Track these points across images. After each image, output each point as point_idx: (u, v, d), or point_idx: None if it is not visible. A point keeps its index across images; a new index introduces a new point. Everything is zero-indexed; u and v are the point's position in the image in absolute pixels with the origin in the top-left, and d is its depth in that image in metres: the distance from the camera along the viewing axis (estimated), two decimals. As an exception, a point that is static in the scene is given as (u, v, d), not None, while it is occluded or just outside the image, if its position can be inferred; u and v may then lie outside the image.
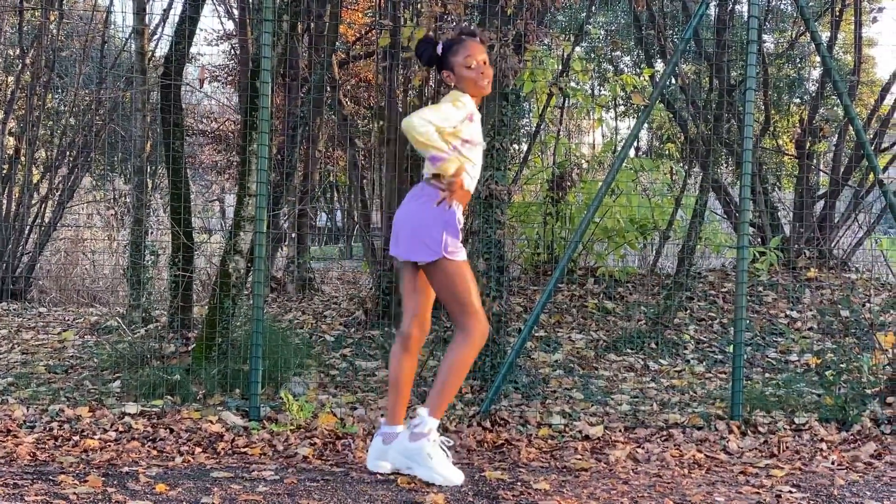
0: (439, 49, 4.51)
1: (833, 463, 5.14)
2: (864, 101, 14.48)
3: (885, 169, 10.81)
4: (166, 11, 8.38)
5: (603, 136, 16.51)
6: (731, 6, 9.56)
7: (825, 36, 10.90)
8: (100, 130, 10.71)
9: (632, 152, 15.32)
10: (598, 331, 8.28)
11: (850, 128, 7.28)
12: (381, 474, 4.53)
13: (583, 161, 10.59)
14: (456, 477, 4.40)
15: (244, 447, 5.13)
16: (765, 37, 12.44)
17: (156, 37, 8.63)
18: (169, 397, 5.89)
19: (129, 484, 4.27)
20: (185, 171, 7.19)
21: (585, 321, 8.47)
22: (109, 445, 5.06)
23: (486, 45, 4.68)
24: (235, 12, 13.22)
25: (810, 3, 11.56)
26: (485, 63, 4.48)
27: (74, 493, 4.04)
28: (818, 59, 9.13)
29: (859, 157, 10.06)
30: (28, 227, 10.63)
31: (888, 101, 10.82)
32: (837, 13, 10.89)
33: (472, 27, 4.75)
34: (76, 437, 5.15)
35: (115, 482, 4.30)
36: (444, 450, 4.47)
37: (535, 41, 6.80)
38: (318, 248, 19.99)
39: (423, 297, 4.56)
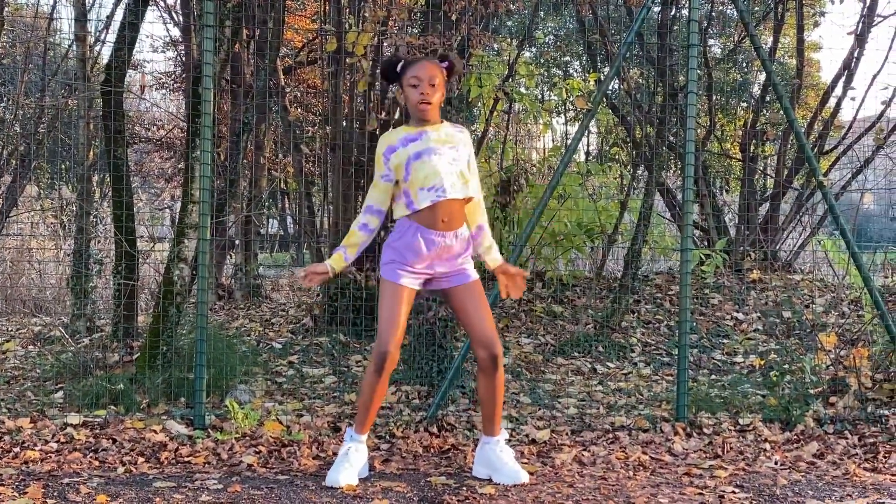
0: (399, 66, 4.61)
1: (776, 463, 5.18)
2: (809, 105, 14.66)
3: (828, 171, 10.95)
4: (109, 18, 8.28)
5: (553, 142, 16.56)
6: (674, 10, 9.63)
7: (769, 39, 11.03)
8: (43, 138, 10.58)
9: (581, 156, 15.40)
10: (546, 335, 8.30)
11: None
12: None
13: (531, 166, 10.62)
14: (342, 479, 4.52)
15: (188, 456, 5.08)
16: (711, 41, 12.57)
17: (98, 44, 8.51)
18: (112, 407, 5.82)
19: (70, 495, 4.22)
20: (128, 178, 7.12)
21: (534, 325, 8.49)
22: (50, 456, 4.99)
23: (451, 68, 4.69)
24: (180, 18, 13.13)
25: (754, 9, 11.68)
26: (431, 84, 4.51)
27: (13, 506, 3.98)
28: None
29: (802, 159, 10.18)
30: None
31: (830, 103, 10.95)
32: (779, 17, 11.01)
33: (442, 53, 4.82)
34: (16, 449, 5.08)
35: (55, 493, 4.25)
36: (348, 457, 4.63)
37: (479, 46, 6.81)
38: (269, 255, 19.90)
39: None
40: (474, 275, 4.65)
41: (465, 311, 4.61)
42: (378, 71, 4.83)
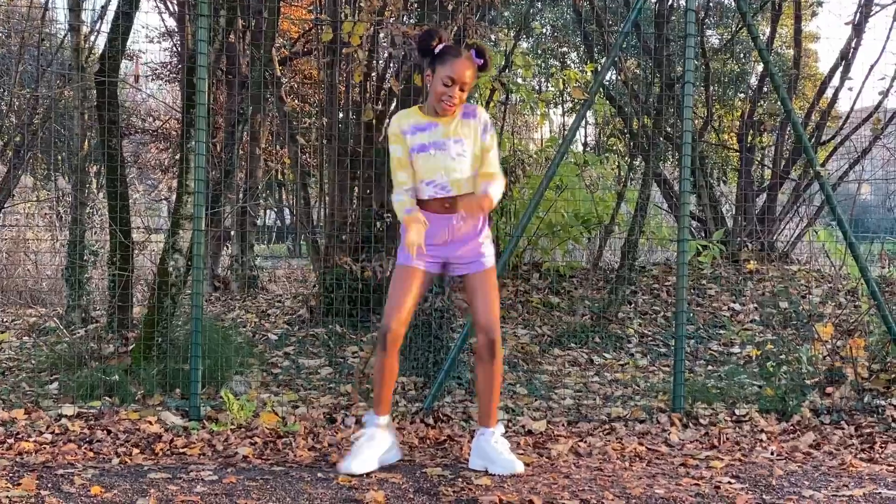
0: (438, 48, 4.53)
1: (772, 453, 5.17)
2: (806, 96, 14.64)
3: (825, 162, 10.93)
4: (103, 8, 8.24)
5: (551, 132, 16.53)
6: (671, 0, 9.61)
7: (766, 30, 11.00)
8: (37, 129, 10.55)
9: (579, 147, 15.38)
10: (543, 326, 8.29)
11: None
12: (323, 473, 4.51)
13: (528, 156, 10.60)
14: (355, 467, 4.52)
15: (183, 447, 5.06)
16: (708, 32, 12.54)
17: (93, 34, 8.47)
18: (107, 398, 5.80)
19: (64, 486, 4.20)
20: (122, 168, 7.10)
21: (530, 316, 8.48)
22: (45, 448, 4.97)
23: (484, 66, 4.63)
24: (175, 8, 13.08)
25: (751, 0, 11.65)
26: (461, 88, 4.49)
27: (7, 497, 3.96)
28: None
29: (800, 150, 10.17)
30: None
31: (828, 94, 10.93)
32: (777, 7, 10.99)
33: (479, 46, 4.72)
34: (10, 440, 5.05)
35: (49, 485, 4.23)
36: (366, 442, 4.65)
37: (475, 36, 6.79)
38: (266, 246, 19.88)
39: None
40: (490, 263, 4.64)
41: (475, 295, 4.62)
42: (410, 43, 4.74)
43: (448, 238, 4.59)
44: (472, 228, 4.59)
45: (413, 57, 6.59)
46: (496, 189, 4.56)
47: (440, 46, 4.53)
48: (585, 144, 17.00)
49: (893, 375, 6.13)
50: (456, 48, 4.57)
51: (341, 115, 8.10)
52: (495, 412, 4.73)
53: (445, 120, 4.55)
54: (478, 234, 4.63)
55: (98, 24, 8.33)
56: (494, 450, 4.66)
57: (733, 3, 13.16)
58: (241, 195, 10.41)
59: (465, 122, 4.56)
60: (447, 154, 4.53)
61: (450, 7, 6.59)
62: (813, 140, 10.28)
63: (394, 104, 8.13)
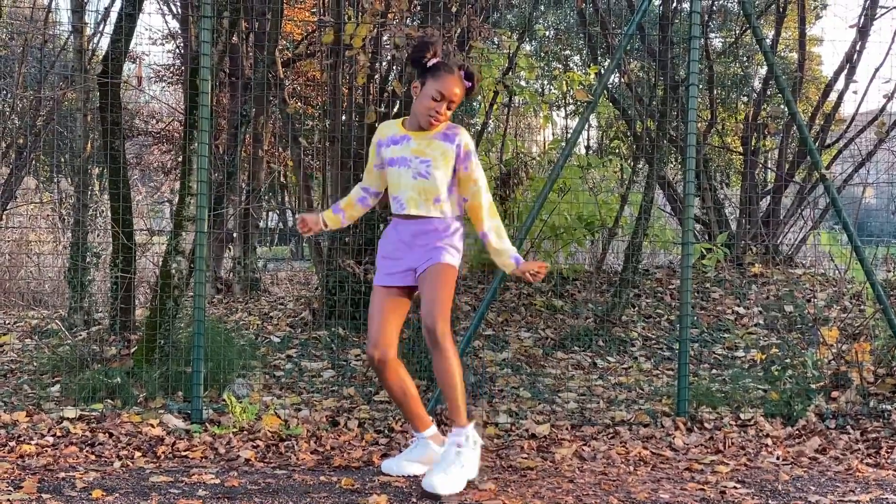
0: (431, 62, 4.45)
1: (778, 458, 5.15)
2: (810, 99, 14.61)
3: (829, 165, 10.90)
4: (107, 9, 8.22)
5: (554, 135, 16.52)
6: (675, 3, 9.58)
7: (769, 34, 10.98)
8: (40, 131, 10.53)
9: (581, 149, 15.36)
10: (546, 329, 8.26)
11: (795, 124, 7.31)
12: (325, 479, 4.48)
13: (531, 159, 10.58)
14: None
15: (185, 451, 5.04)
16: (711, 35, 12.52)
17: (97, 35, 8.46)
18: (109, 401, 5.78)
19: (65, 490, 4.19)
20: (125, 170, 7.08)
21: (533, 319, 8.46)
22: (46, 451, 4.95)
23: (470, 90, 4.54)
24: (178, 10, 13.08)
25: (756, 2, 11.63)
26: (448, 106, 4.40)
27: (8, 500, 3.95)
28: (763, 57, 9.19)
29: (804, 153, 10.14)
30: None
31: (832, 97, 10.91)
32: (781, 10, 10.96)
33: (467, 65, 4.64)
34: (12, 443, 5.03)
35: (50, 488, 4.21)
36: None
37: (479, 38, 6.77)
38: (269, 248, 19.87)
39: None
40: (444, 259, 4.40)
41: (422, 287, 4.42)
42: (405, 56, 4.65)
43: (406, 241, 4.47)
44: (432, 237, 4.44)
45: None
46: (504, 243, 4.53)
47: (433, 60, 4.45)
48: (588, 147, 16.99)
49: (899, 380, 6.10)
50: (449, 65, 4.47)
51: (344, 117, 8.07)
52: (456, 409, 4.34)
53: (419, 136, 4.45)
54: (438, 240, 4.44)
55: (101, 26, 8.30)
56: (444, 457, 4.38)
57: (737, 7, 13.14)
58: (243, 197, 10.39)
59: (438, 144, 4.41)
60: (409, 171, 4.42)
61: (453, 9, 6.56)
62: (817, 143, 10.26)
63: (397, 106, 8.12)
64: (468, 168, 4.42)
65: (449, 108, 4.43)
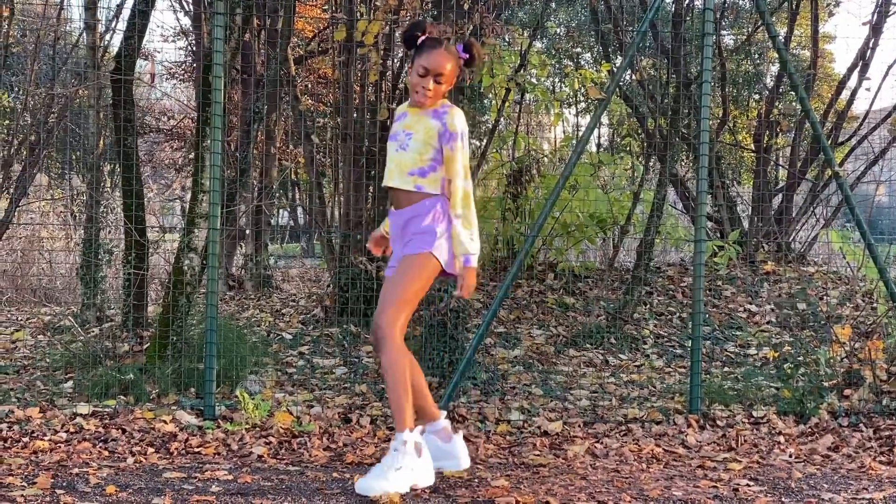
0: (420, 40, 4.39)
1: (791, 456, 5.14)
2: (822, 97, 14.56)
3: (842, 162, 10.86)
4: (119, 7, 8.24)
5: (564, 132, 16.50)
6: (688, 0, 9.56)
7: (782, 31, 10.94)
8: (52, 128, 10.55)
9: (593, 147, 15.34)
10: (558, 326, 8.25)
11: (807, 121, 7.29)
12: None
13: (542, 156, 10.57)
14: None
15: (198, 447, 5.05)
16: (723, 32, 12.49)
17: (108, 32, 8.48)
18: (122, 397, 5.79)
19: (79, 486, 4.19)
20: (138, 167, 7.09)
21: (545, 317, 8.45)
22: (60, 447, 4.97)
23: (471, 60, 4.45)
24: (190, 7, 13.10)
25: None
26: (437, 78, 4.32)
27: (22, 496, 3.95)
28: (776, 54, 9.15)
29: (816, 150, 10.11)
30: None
31: (844, 95, 10.87)
32: (794, 7, 10.93)
33: (468, 40, 4.57)
34: (25, 439, 5.05)
35: (64, 484, 4.22)
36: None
37: (491, 35, 6.76)
38: (280, 245, 19.88)
39: None
40: (416, 250, 4.27)
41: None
42: (399, 37, 4.56)
43: (395, 236, 4.44)
44: (413, 225, 4.33)
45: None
46: (464, 233, 4.29)
47: (421, 38, 4.39)
48: (599, 145, 16.96)
49: (912, 378, 6.09)
50: (437, 41, 4.38)
51: (356, 114, 8.07)
52: (395, 411, 4.19)
53: (414, 111, 4.42)
54: (416, 230, 4.32)
55: (114, 23, 8.32)
56: (382, 460, 4.24)
57: (748, 4, 13.11)
58: (255, 194, 10.40)
59: (425, 119, 4.36)
60: (394, 145, 4.41)
61: (466, 6, 6.56)
62: (830, 141, 10.22)
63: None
64: (453, 148, 4.29)
65: (438, 83, 4.33)
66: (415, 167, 4.34)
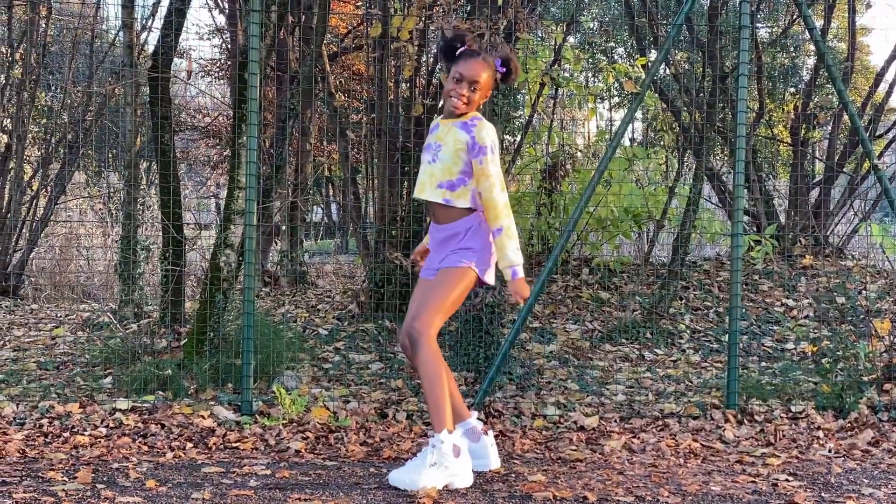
0: (458, 52, 4.42)
1: (830, 451, 5.10)
2: (859, 89, 14.43)
3: (881, 155, 10.77)
4: (155, 5, 8.30)
5: (598, 127, 16.45)
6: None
7: (819, 23, 10.85)
8: (90, 126, 10.65)
9: (626, 141, 15.28)
10: (594, 321, 8.23)
11: (845, 114, 7.23)
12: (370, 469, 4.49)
13: (576, 151, 10.54)
14: None
15: (236, 442, 5.09)
16: (759, 25, 12.41)
17: (145, 31, 8.55)
18: (160, 393, 5.84)
19: (119, 480, 4.24)
20: (175, 164, 7.14)
21: (580, 312, 8.43)
22: (100, 441, 5.01)
23: (507, 74, 4.49)
24: (225, 5, 13.16)
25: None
26: (472, 85, 4.34)
27: (63, 490, 4.00)
28: (812, 47, 9.07)
29: (854, 143, 10.03)
30: (20, 223, 10.56)
31: (882, 87, 10.78)
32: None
33: (507, 56, 4.56)
34: (66, 434, 5.11)
35: (104, 478, 4.26)
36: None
37: (525, 30, 6.75)
38: (314, 242, 19.94)
39: None
40: (455, 263, 4.35)
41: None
42: (437, 48, 4.59)
43: (434, 247, 4.51)
44: (451, 242, 4.40)
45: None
46: (510, 245, 4.39)
47: (460, 49, 4.41)
48: (633, 140, 16.89)
49: (953, 372, 6.03)
50: (476, 51, 4.42)
51: (390, 110, 8.08)
52: (432, 414, 4.30)
53: (445, 122, 4.45)
54: (456, 245, 4.39)
55: (150, 21, 8.39)
56: (416, 460, 4.32)
57: (784, -3, 13.01)
58: (290, 190, 10.43)
59: (455, 131, 4.38)
60: (427, 156, 4.46)
61: (500, 1, 6.54)
62: (868, 133, 10.13)
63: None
64: (482, 163, 4.31)
65: (473, 90, 4.36)
66: (444, 180, 4.39)
